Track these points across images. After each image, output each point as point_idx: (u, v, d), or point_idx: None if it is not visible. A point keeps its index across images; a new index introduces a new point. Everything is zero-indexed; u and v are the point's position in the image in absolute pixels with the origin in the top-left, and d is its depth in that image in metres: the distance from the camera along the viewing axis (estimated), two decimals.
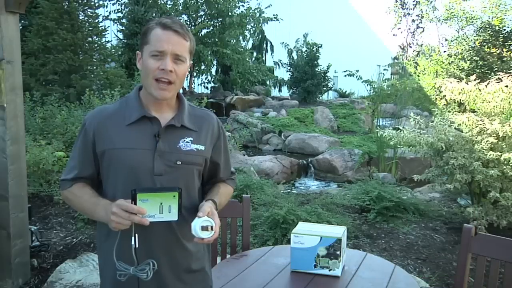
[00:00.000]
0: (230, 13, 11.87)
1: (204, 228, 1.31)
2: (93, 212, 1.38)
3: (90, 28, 8.77)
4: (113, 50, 9.72)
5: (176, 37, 1.33)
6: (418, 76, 13.66)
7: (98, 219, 1.37)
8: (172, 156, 1.39)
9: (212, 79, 13.56)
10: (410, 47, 21.51)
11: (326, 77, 13.71)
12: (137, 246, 1.30)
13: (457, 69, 11.91)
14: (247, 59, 13.55)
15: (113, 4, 11.40)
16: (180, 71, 1.36)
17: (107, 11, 10.95)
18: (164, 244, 1.41)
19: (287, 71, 14.53)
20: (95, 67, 8.75)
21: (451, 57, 12.32)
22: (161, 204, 1.28)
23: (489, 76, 8.01)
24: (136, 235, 1.29)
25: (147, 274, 1.31)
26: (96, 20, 8.92)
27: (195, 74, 12.88)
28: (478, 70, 10.90)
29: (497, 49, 11.24)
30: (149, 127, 1.40)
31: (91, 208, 1.39)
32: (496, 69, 10.55)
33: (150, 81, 1.35)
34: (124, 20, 11.30)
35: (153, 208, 1.28)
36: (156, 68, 1.33)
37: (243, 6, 12.51)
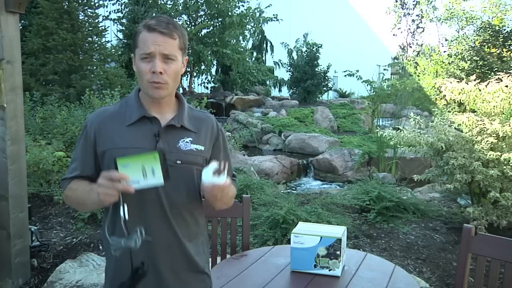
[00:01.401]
0: (230, 13, 11.87)
1: (216, 172, 1.31)
2: (87, 200, 1.37)
3: (90, 28, 8.77)
4: (113, 50, 9.72)
5: (161, 38, 1.35)
6: (418, 76, 13.65)
7: (93, 204, 1.36)
8: (172, 155, 1.40)
9: (212, 79, 13.56)
10: (410, 47, 21.55)
11: (326, 77, 13.70)
12: (127, 218, 1.28)
13: (457, 69, 11.90)
14: (247, 59, 13.55)
15: (113, 4, 11.40)
16: (171, 70, 1.38)
17: (107, 11, 10.95)
18: (164, 243, 1.41)
19: (287, 71, 14.52)
20: (95, 67, 8.75)
21: (451, 57, 12.31)
22: (143, 167, 1.27)
23: (489, 76, 8.01)
24: (125, 204, 1.28)
25: (135, 242, 1.26)
26: (96, 20, 8.93)
27: (195, 74, 12.88)
28: (478, 70, 10.89)
29: (497, 49, 11.23)
30: (149, 127, 1.42)
31: (85, 196, 1.38)
32: (496, 69, 10.54)
33: (145, 83, 1.38)
34: (124, 20, 11.30)
35: (136, 173, 1.27)
36: (148, 70, 1.35)
37: (243, 6, 12.51)
